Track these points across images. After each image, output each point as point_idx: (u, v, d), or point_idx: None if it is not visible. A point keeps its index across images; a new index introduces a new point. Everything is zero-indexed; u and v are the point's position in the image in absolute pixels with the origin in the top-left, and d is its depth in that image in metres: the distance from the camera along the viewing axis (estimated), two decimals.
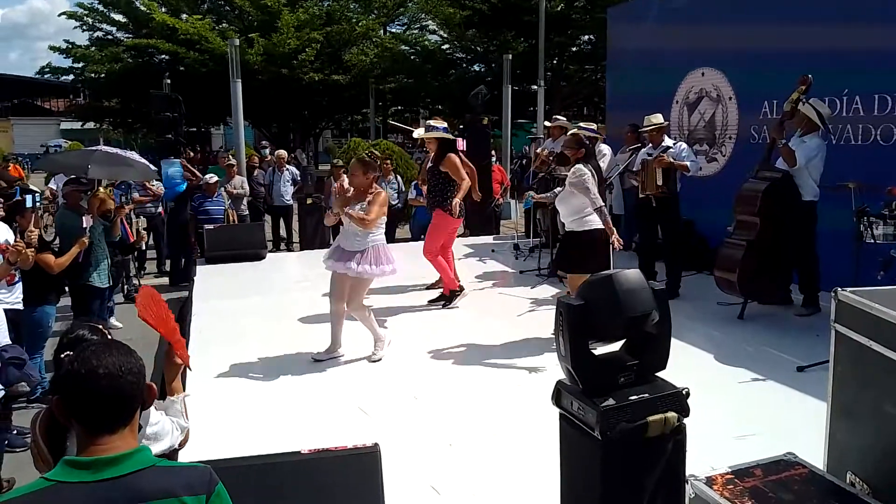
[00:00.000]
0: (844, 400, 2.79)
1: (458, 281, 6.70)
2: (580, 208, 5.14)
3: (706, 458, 3.01)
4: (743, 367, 4.77)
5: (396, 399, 4.47)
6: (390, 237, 10.71)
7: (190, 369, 2.45)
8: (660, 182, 6.51)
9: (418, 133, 6.94)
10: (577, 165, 5.15)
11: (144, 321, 2.32)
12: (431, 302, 6.68)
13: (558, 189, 5.47)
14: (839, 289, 2.79)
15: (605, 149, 7.70)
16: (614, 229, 5.15)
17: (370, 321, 5.22)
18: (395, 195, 10.58)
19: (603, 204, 5.14)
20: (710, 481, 2.61)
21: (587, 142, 5.44)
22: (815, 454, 2.88)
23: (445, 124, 6.85)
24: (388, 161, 10.88)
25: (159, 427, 2.18)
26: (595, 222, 5.13)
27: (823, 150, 5.67)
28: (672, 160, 6.48)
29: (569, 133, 5.81)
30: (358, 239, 5.03)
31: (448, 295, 6.64)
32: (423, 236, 7.18)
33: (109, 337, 2.37)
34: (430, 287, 7.13)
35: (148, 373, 1.71)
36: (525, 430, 3.83)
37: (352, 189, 5.14)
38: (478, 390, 4.59)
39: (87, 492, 1.45)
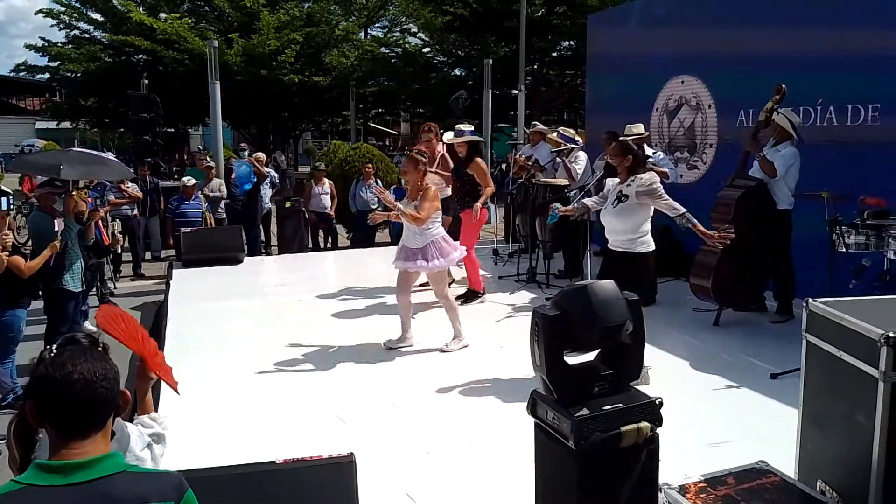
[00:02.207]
0: (815, 409, 2.83)
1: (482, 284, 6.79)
2: (638, 225, 4.63)
3: (680, 466, 3.04)
4: (717, 374, 4.81)
5: (374, 406, 4.45)
6: (369, 242, 10.75)
7: (178, 394, 2.40)
8: None
9: (448, 137, 6.89)
10: (648, 174, 4.66)
11: (109, 334, 2.29)
12: (457, 298, 6.43)
13: (591, 201, 4.95)
14: (810, 299, 2.83)
15: (581, 155, 7.74)
16: (708, 231, 4.73)
17: (454, 313, 5.52)
18: (375, 199, 10.56)
19: (685, 210, 4.58)
20: (683, 490, 2.64)
21: (636, 147, 4.88)
22: (787, 462, 2.92)
23: (472, 128, 6.84)
24: (369, 164, 10.88)
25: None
26: (650, 244, 4.67)
27: (798, 158, 5.75)
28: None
29: (614, 140, 5.22)
30: (419, 236, 5.34)
31: (471, 292, 6.74)
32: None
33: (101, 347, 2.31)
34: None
35: (122, 378, 1.69)
36: (501, 439, 3.83)
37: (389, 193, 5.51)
38: (455, 398, 4.59)
39: (57, 495, 1.45)
